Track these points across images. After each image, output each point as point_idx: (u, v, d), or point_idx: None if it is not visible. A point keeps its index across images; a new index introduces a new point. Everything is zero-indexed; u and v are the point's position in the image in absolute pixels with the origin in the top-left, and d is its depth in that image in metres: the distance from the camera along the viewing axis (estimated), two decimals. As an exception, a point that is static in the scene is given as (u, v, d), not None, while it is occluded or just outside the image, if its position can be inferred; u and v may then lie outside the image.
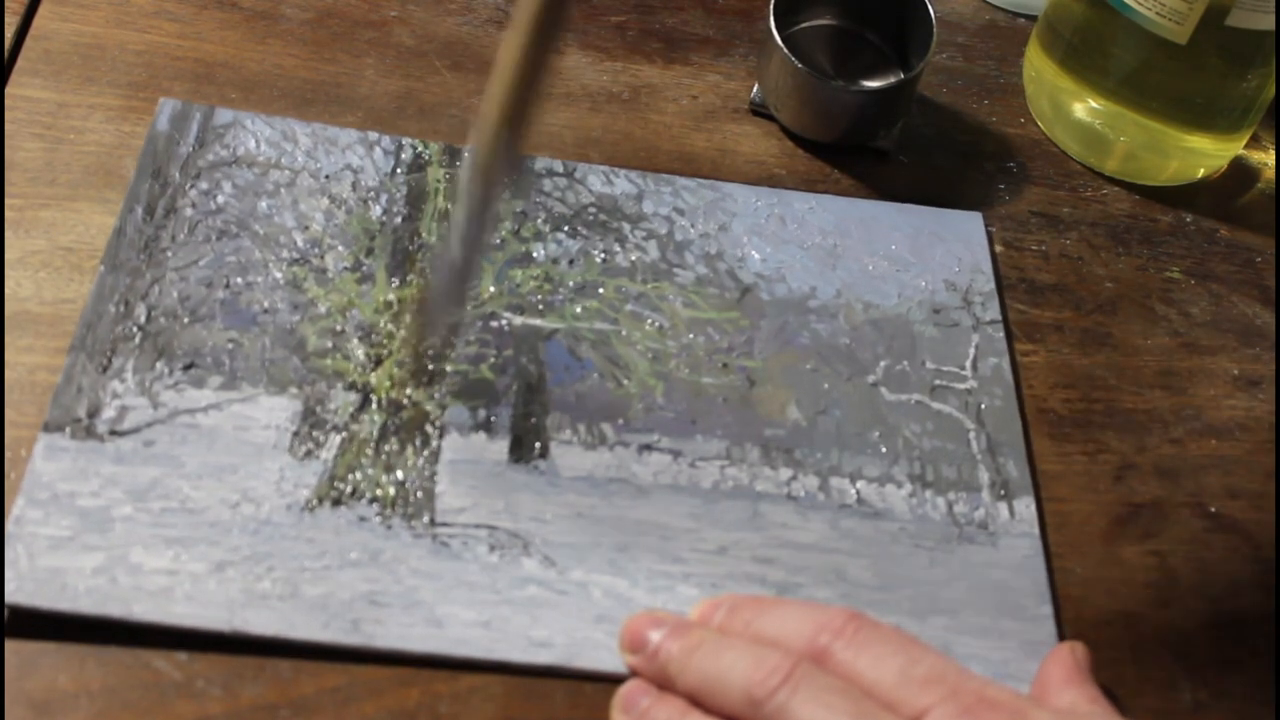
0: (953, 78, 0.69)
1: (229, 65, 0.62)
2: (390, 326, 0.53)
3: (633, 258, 0.58)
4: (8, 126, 0.57)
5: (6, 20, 0.61)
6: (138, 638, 0.44)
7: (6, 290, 0.52)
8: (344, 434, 0.50)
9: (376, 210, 0.57)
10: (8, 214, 0.54)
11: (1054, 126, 0.67)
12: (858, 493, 0.52)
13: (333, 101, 0.61)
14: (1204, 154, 0.65)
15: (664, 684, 0.44)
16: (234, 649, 0.45)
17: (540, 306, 0.55)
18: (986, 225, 0.62)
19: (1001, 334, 0.58)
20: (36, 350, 0.51)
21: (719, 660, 0.43)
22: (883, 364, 0.56)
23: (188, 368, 0.51)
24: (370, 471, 0.49)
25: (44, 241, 0.54)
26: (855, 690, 0.41)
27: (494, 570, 0.48)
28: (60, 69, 0.60)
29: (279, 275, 0.54)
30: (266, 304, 0.53)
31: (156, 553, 0.46)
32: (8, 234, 0.53)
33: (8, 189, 0.55)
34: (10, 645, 0.43)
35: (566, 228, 0.58)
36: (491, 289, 0.55)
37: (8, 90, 0.58)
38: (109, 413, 0.49)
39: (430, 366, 0.52)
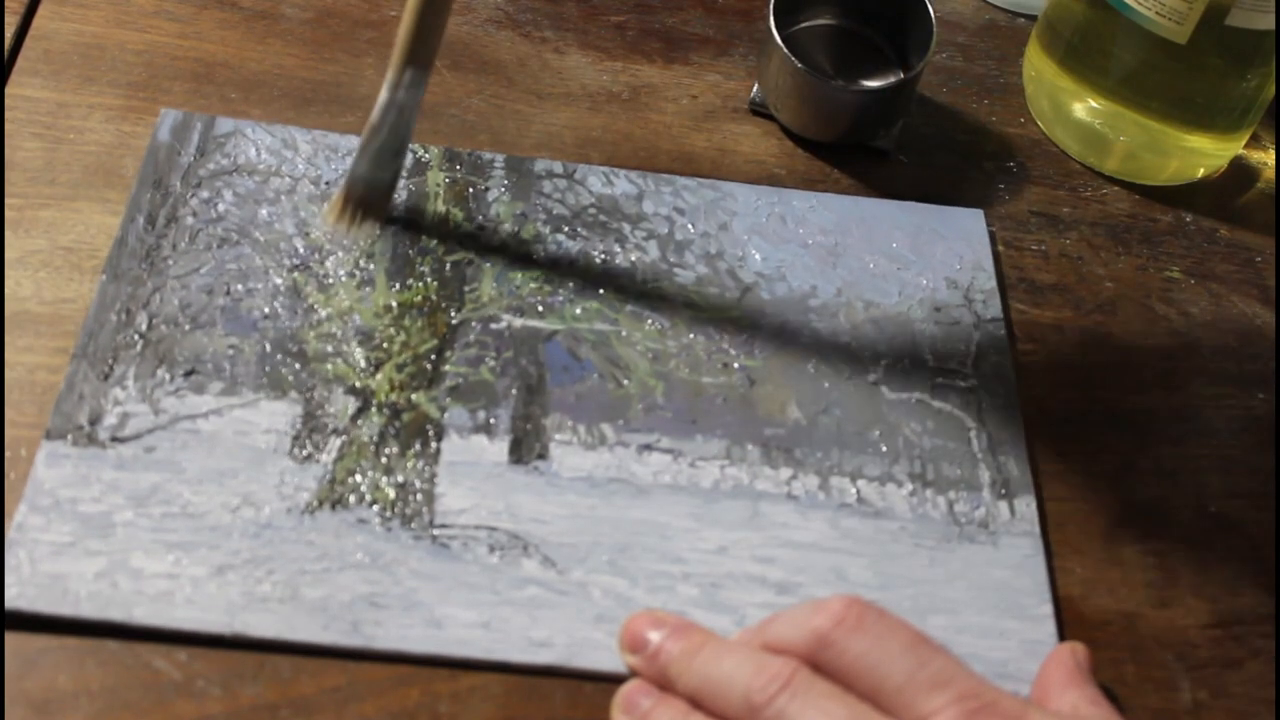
0: (953, 78, 0.69)
1: (229, 65, 0.62)
2: (390, 331, 0.53)
3: (633, 258, 0.58)
4: (8, 126, 0.57)
5: (6, 20, 0.61)
6: (138, 637, 0.44)
7: (6, 290, 0.52)
8: (344, 437, 0.50)
9: (376, 214, 0.57)
10: (8, 214, 0.54)
11: (1054, 126, 0.67)
12: (858, 492, 0.52)
13: (333, 101, 0.61)
14: (1204, 154, 0.65)
15: (664, 685, 0.44)
16: (234, 648, 0.45)
17: (540, 308, 0.55)
18: (986, 224, 0.62)
19: (1003, 332, 0.58)
20: (36, 350, 0.51)
21: (720, 665, 0.43)
22: (883, 362, 0.56)
23: (189, 374, 0.51)
24: (370, 474, 0.49)
25: (44, 241, 0.54)
26: (852, 697, 0.41)
27: (494, 571, 0.48)
28: (60, 69, 0.60)
29: (279, 282, 0.54)
30: (267, 310, 0.53)
31: (157, 557, 0.46)
32: (8, 234, 0.54)
33: (8, 189, 0.55)
34: (10, 645, 0.44)
35: (566, 229, 0.58)
36: (491, 291, 0.55)
37: (8, 90, 0.58)
38: (110, 419, 0.49)
39: (429, 366, 0.52)
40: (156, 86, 0.60)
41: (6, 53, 0.60)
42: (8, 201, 0.55)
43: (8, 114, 0.57)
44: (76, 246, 0.54)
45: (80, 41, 0.61)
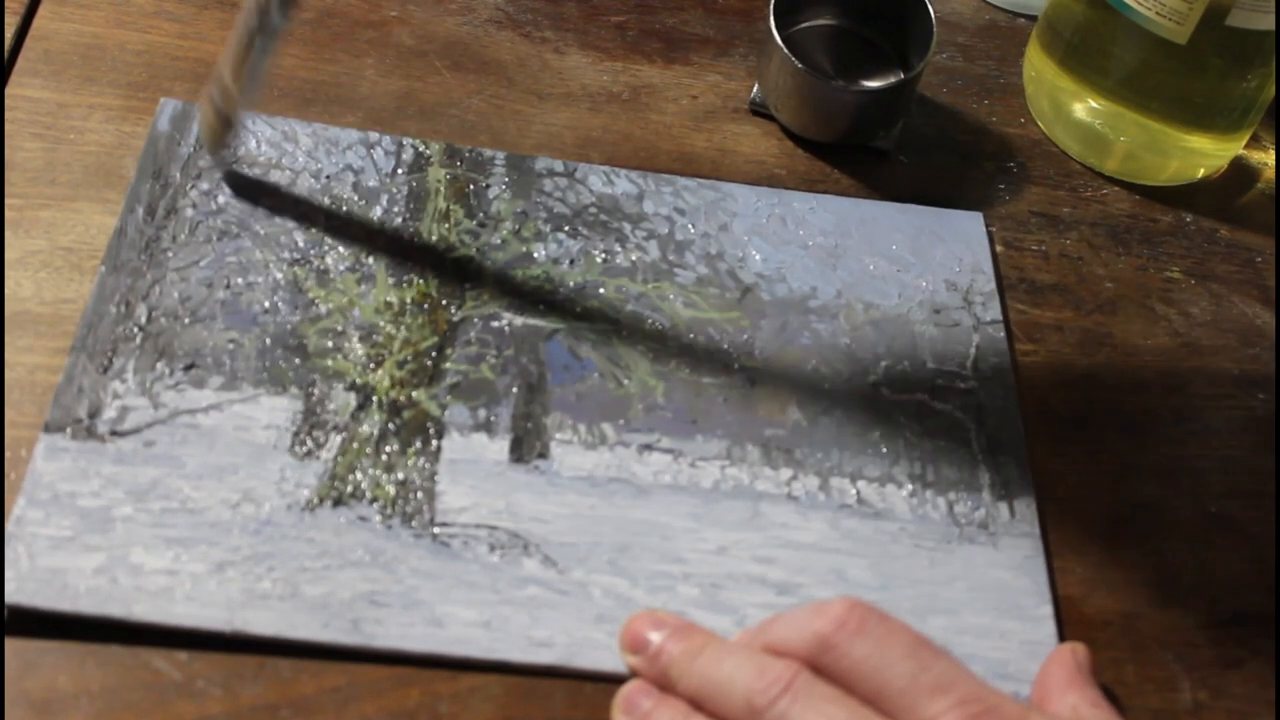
0: (953, 78, 0.69)
1: (229, 65, 0.62)
2: (390, 327, 0.53)
3: (633, 258, 0.58)
4: (8, 126, 0.57)
5: (6, 20, 0.61)
6: (138, 638, 0.44)
7: (6, 290, 0.52)
8: (344, 434, 0.50)
9: (377, 210, 0.57)
10: (8, 214, 0.54)
11: (1054, 126, 0.67)
12: (858, 493, 0.52)
13: (333, 101, 0.61)
14: (1204, 154, 0.65)
15: (664, 686, 0.44)
16: (234, 649, 0.45)
17: (541, 306, 0.55)
18: (986, 225, 0.62)
19: (1002, 334, 0.58)
20: (36, 350, 0.51)
21: (721, 667, 0.43)
22: (883, 364, 0.56)
23: (188, 368, 0.51)
24: (371, 471, 0.49)
25: (44, 241, 0.54)
26: (854, 700, 0.41)
27: (494, 570, 0.48)
28: (60, 69, 0.60)
29: (279, 276, 0.54)
30: (267, 304, 0.53)
31: (157, 553, 0.46)
32: (8, 234, 0.54)
33: (8, 189, 0.55)
34: (10, 645, 0.44)
35: (567, 228, 0.58)
36: (492, 288, 0.55)
37: (8, 90, 0.58)
38: (110, 413, 0.49)
39: (429, 364, 0.52)
40: (156, 86, 0.60)
41: (6, 53, 0.60)
42: (8, 201, 0.55)
43: (8, 114, 0.57)
44: (76, 246, 0.54)
45: (80, 41, 0.61)
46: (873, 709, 0.41)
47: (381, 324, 0.53)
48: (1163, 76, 0.61)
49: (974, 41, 0.71)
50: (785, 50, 0.61)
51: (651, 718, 0.43)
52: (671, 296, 0.57)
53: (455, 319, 0.54)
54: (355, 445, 0.50)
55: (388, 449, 0.50)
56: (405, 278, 0.55)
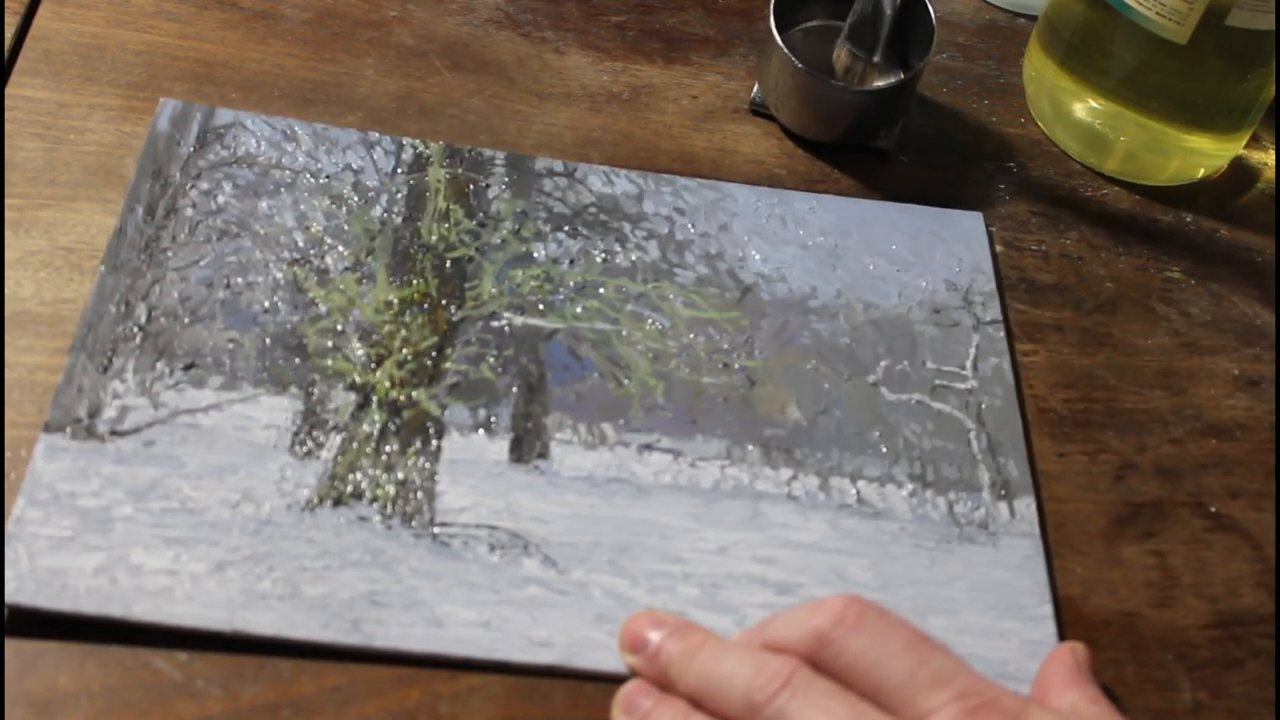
0: (953, 78, 0.69)
1: (229, 65, 0.62)
2: (390, 327, 0.53)
3: (633, 258, 0.58)
4: (8, 126, 0.57)
5: (6, 20, 0.61)
6: (138, 638, 0.44)
7: (6, 290, 0.52)
8: (344, 434, 0.50)
9: (377, 210, 0.57)
10: (8, 214, 0.54)
11: (1054, 126, 0.67)
12: (858, 492, 0.52)
13: (333, 101, 0.61)
14: (1204, 154, 0.65)
15: (664, 685, 0.44)
16: (234, 649, 0.45)
17: (541, 306, 0.55)
18: (986, 225, 0.62)
19: (1002, 334, 0.58)
20: (36, 350, 0.51)
21: (720, 664, 0.43)
22: (883, 364, 0.56)
23: (188, 368, 0.51)
24: (371, 471, 0.49)
25: (44, 241, 0.54)
26: (853, 695, 0.41)
27: (494, 570, 0.48)
28: (60, 69, 0.60)
29: (279, 275, 0.54)
30: (267, 304, 0.53)
31: (157, 553, 0.46)
32: (8, 234, 0.54)
33: (8, 189, 0.55)
34: (10, 645, 0.44)
35: (567, 228, 0.58)
36: (492, 289, 0.55)
37: (8, 90, 0.58)
38: (109, 413, 0.49)
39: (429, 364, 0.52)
40: (156, 86, 0.60)
41: (6, 53, 0.60)
42: (8, 201, 0.55)
43: (8, 114, 0.57)
44: (76, 246, 0.54)
45: (80, 41, 0.61)
46: (871, 703, 0.42)
47: (381, 324, 0.53)
48: (1163, 76, 0.61)
49: (974, 41, 0.71)
50: (785, 50, 0.61)
51: (651, 717, 0.44)
52: (671, 296, 0.57)
53: (455, 319, 0.54)
54: (355, 445, 0.50)
55: (388, 449, 0.50)
56: (405, 277, 0.55)
